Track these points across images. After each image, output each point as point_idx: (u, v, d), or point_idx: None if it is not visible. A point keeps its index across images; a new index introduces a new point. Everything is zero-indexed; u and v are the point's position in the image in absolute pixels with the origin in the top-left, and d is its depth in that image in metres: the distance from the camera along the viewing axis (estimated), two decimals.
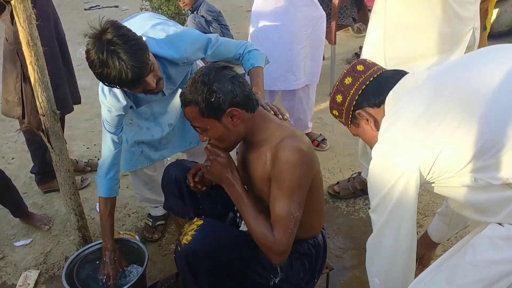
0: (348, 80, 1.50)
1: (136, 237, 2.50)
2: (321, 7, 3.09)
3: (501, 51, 1.37)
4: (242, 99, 1.60)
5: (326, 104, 4.09)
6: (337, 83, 1.54)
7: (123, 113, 2.08)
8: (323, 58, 4.79)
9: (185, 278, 1.77)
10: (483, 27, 3.63)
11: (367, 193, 2.80)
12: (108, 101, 2.03)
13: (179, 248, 1.71)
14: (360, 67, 1.51)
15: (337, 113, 1.57)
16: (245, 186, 1.83)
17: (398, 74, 1.46)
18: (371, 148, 1.50)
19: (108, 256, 2.10)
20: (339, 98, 1.52)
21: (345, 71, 1.55)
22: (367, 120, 1.49)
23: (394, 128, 1.36)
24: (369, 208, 2.75)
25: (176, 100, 2.34)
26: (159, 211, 2.66)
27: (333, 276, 2.23)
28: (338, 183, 2.94)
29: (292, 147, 1.60)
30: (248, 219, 1.68)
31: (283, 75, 3.04)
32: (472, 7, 2.18)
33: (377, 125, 1.47)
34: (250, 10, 3.16)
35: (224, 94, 1.56)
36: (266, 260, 1.76)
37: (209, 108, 1.57)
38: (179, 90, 2.31)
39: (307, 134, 3.45)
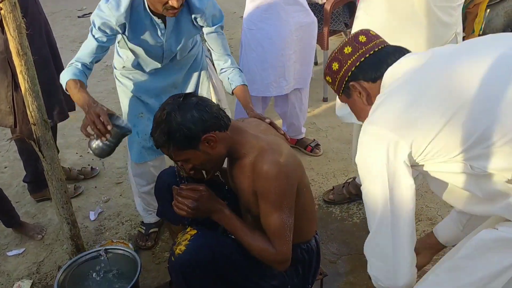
0: (347, 50, 1.45)
1: (130, 245, 2.49)
2: (312, 13, 3.11)
3: (507, 37, 1.33)
4: (213, 122, 1.61)
5: (319, 109, 4.09)
6: (336, 50, 1.49)
7: (117, 27, 2.02)
8: (316, 64, 4.84)
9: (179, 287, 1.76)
10: (471, 30, 3.66)
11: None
12: (110, 10, 1.98)
13: (172, 258, 1.71)
14: (362, 38, 1.45)
15: (330, 80, 1.52)
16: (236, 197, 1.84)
17: (400, 52, 1.41)
18: (358, 120, 1.49)
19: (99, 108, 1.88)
20: (335, 66, 1.48)
21: (346, 39, 1.49)
22: (360, 93, 1.44)
23: (389, 105, 1.30)
24: (363, 213, 2.77)
25: (185, 87, 2.41)
26: (152, 218, 2.65)
27: (327, 282, 2.23)
28: (333, 188, 2.94)
29: (269, 161, 1.60)
30: (245, 239, 1.70)
31: (275, 81, 3.05)
32: (454, 13, 2.19)
33: (369, 100, 1.42)
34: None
35: (193, 124, 1.57)
36: (260, 268, 1.77)
37: (183, 142, 1.59)
38: (191, 80, 2.39)
39: (300, 139, 3.46)
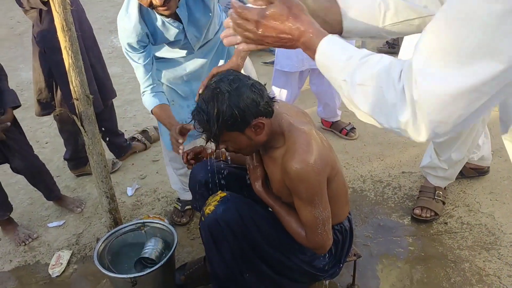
0: None
1: (165, 220, 2.53)
2: None
3: None
4: (264, 108, 1.57)
5: None
6: None
7: (141, 40, 2.06)
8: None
9: (208, 249, 1.82)
10: None
11: (465, 176, 2.80)
12: (125, 25, 2.04)
13: (202, 218, 1.77)
14: None
15: None
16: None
17: None
18: None
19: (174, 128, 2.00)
20: None
21: None
22: None
23: None
24: (397, 198, 2.75)
25: (210, 67, 2.35)
26: (188, 196, 2.69)
27: (360, 264, 2.23)
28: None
29: (299, 161, 1.57)
30: (282, 222, 1.77)
31: None
32: None
33: None
34: None
35: (246, 108, 1.52)
36: (288, 240, 1.78)
37: (232, 124, 1.54)
38: (210, 57, 2.34)
39: (335, 122, 3.44)
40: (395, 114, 0.89)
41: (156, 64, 2.27)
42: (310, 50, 1.01)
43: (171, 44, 2.19)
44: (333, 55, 0.99)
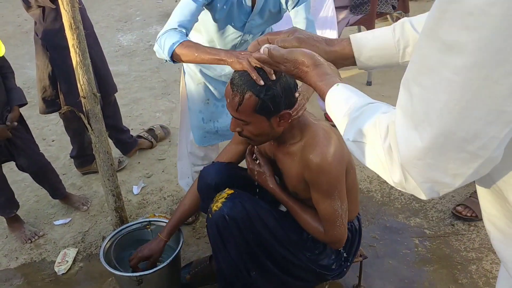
0: None
1: None
2: None
3: None
4: (293, 102, 1.59)
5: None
6: None
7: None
8: None
9: (215, 246, 1.82)
10: None
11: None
12: None
13: (210, 215, 1.78)
14: None
15: None
16: (278, 179, 1.86)
17: None
18: None
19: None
20: None
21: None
22: None
23: None
24: (404, 199, 2.74)
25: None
26: None
27: (366, 265, 2.22)
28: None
29: (319, 153, 1.59)
30: (297, 218, 1.78)
31: None
32: None
33: None
34: None
35: (285, 96, 1.53)
36: (295, 238, 1.78)
37: (265, 106, 1.52)
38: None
39: None
40: (389, 173, 0.81)
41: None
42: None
43: (226, 28, 2.05)
44: (335, 109, 0.96)
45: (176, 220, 2.07)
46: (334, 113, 0.96)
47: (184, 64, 2.35)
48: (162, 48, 1.78)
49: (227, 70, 2.23)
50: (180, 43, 1.74)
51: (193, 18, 1.86)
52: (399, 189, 0.83)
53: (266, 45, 1.09)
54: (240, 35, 2.10)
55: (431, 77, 0.68)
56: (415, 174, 0.75)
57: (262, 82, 1.48)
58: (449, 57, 0.64)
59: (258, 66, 1.49)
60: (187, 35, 1.82)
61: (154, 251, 2.03)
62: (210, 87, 2.31)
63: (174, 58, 1.77)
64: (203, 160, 2.54)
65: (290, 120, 1.60)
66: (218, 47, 2.14)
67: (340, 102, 0.94)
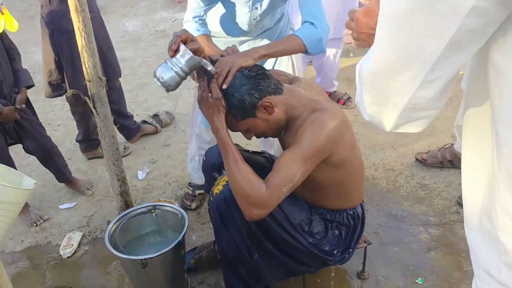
0: None
1: (176, 204, 2.54)
2: None
3: None
4: (266, 86, 1.60)
5: None
6: None
7: None
8: None
9: (217, 229, 1.83)
10: None
11: (456, 166, 2.82)
12: None
13: (211, 198, 1.78)
14: None
15: None
16: None
17: None
18: None
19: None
20: None
21: None
22: None
23: None
24: (410, 187, 2.73)
25: (264, 62, 2.18)
26: (200, 180, 2.69)
27: (370, 252, 2.22)
28: (428, 151, 2.95)
29: (320, 119, 1.59)
30: (234, 168, 1.58)
31: None
32: None
33: None
34: None
35: (248, 95, 1.57)
36: (296, 220, 1.77)
37: (240, 113, 1.60)
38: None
39: (333, 92, 3.69)
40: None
41: None
42: None
43: (232, 12, 2.05)
44: None
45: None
46: None
47: None
48: None
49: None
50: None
51: (202, 4, 1.99)
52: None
53: None
54: (247, 21, 2.07)
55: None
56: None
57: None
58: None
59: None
60: (203, 20, 2.01)
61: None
62: None
63: None
64: (209, 144, 2.53)
65: (273, 104, 1.61)
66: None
67: None
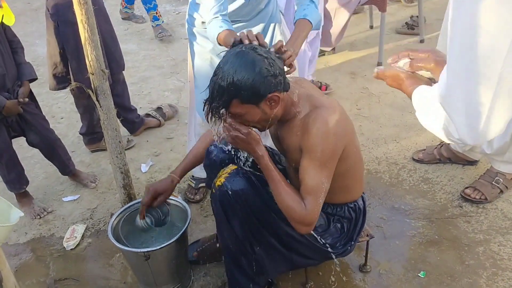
0: None
1: (179, 197, 2.54)
2: None
3: None
4: (280, 81, 1.57)
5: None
6: None
7: None
8: (371, 27, 4.70)
9: (219, 221, 1.83)
10: None
11: (453, 162, 2.82)
12: None
13: (213, 190, 1.78)
14: None
15: None
16: (284, 159, 1.86)
17: None
18: None
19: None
20: None
21: None
22: None
23: None
24: (412, 180, 2.72)
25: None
26: (203, 173, 2.68)
27: (373, 245, 2.22)
28: (425, 149, 2.93)
29: (320, 118, 1.59)
30: (278, 192, 1.66)
31: None
32: None
33: None
34: None
35: (264, 80, 1.52)
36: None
37: (248, 96, 1.54)
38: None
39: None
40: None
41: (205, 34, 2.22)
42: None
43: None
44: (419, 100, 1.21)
45: (189, 160, 2.07)
46: (416, 103, 1.22)
47: (193, 41, 2.34)
48: (212, 38, 2.03)
49: None
50: (217, 37, 1.98)
51: (222, 2, 2.03)
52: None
53: (401, 62, 1.30)
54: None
55: None
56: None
57: None
58: None
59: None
60: (224, 16, 2.03)
61: (166, 188, 2.02)
62: (217, 59, 2.29)
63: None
64: (211, 138, 2.53)
65: (280, 101, 1.59)
66: None
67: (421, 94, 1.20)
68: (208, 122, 1.65)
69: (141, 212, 2.03)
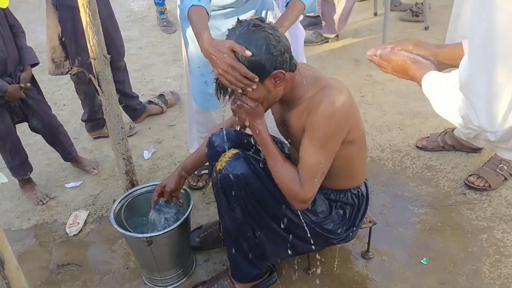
0: None
1: None
2: None
3: None
4: (287, 59, 1.55)
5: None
6: None
7: None
8: (375, 14, 4.66)
9: (220, 205, 1.83)
10: None
11: (457, 149, 2.80)
12: None
13: (214, 174, 1.78)
14: None
15: None
16: (288, 141, 1.85)
17: None
18: None
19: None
20: None
21: None
22: None
23: None
24: (416, 168, 2.71)
25: None
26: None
27: (375, 232, 2.21)
28: (429, 136, 2.91)
29: (328, 98, 1.58)
30: (275, 167, 1.67)
31: None
32: None
33: None
34: None
35: (270, 55, 1.50)
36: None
37: (253, 70, 1.51)
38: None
39: None
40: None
41: None
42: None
43: None
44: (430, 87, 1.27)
45: (195, 156, 2.08)
46: (430, 89, 1.27)
47: (186, 28, 2.31)
48: (183, 9, 1.86)
49: (224, 30, 2.16)
50: (189, 8, 1.80)
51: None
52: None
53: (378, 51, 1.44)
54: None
55: None
56: None
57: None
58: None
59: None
60: None
61: (175, 184, 2.04)
62: None
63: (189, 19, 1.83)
64: (206, 127, 2.53)
65: (284, 79, 1.57)
66: None
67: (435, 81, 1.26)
68: (218, 99, 1.65)
69: (152, 205, 2.08)
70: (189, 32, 2.30)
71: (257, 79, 1.53)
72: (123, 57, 3.14)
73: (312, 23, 4.44)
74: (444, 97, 1.19)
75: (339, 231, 1.88)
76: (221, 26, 2.20)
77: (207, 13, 1.84)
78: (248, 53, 1.48)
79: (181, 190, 2.17)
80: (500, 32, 0.97)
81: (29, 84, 2.49)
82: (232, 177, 1.72)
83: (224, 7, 2.18)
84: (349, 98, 1.63)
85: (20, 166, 2.69)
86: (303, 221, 1.79)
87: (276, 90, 1.60)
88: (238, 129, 1.91)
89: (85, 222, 2.55)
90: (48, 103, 2.77)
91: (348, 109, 1.62)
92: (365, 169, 1.91)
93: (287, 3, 2.05)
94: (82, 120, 3.24)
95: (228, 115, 1.97)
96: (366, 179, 1.94)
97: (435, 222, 2.36)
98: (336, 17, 4.01)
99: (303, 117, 1.64)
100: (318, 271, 2.13)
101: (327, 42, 4.24)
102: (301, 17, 2.83)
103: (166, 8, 4.93)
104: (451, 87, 1.16)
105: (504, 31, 0.97)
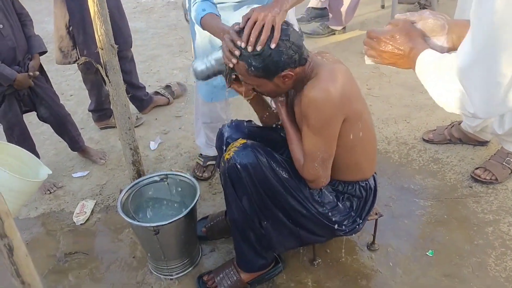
0: None
1: (187, 174, 2.55)
2: None
3: None
4: (297, 58, 1.59)
5: None
6: None
7: None
8: (383, 7, 4.64)
9: (227, 194, 1.85)
10: None
11: (463, 142, 2.80)
12: None
13: (222, 164, 1.80)
14: None
15: None
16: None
17: None
18: None
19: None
20: None
21: None
22: None
23: None
24: (422, 160, 2.71)
25: None
26: (212, 152, 2.69)
27: (381, 224, 2.21)
28: (435, 129, 2.91)
29: (319, 86, 1.58)
30: (290, 144, 1.78)
31: None
32: None
33: None
34: None
35: (279, 59, 1.55)
36: (306, 189, 1.79)
37: (261, 71, 1.57)
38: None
39: None
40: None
41: None
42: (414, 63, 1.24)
43: None
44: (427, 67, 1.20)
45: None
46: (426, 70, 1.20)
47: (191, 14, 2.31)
48: (194, 18, 2.00)
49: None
50: (200, 19, 1.94)
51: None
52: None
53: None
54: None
55: None
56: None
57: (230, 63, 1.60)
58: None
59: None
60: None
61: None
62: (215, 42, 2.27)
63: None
64: (212, 119, 2.53)
65: (292, 78, 1.62)
66: None
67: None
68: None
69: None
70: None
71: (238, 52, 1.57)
72: (131, 47, 3.15)
73: (319, 15, 4.43)
74: (438, 80, 1.17)
75: (345, 223, 1.88)
76: (230, 19, 2.19)
77: (216, 15, 1.94)
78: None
79: (188, 181, 2.18)
80: (505, 22, 0.96)
81: (37, 73, 2.51)
82: (239, 167, 1.73)
83: (235, 5, 2.17)
84: (341, 85, 1.61)
85: None
86: (309, 211, 1.80)
87: (285, 86, 1.65)
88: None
89: (92, 212, 2.57)
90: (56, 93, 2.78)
91: (340, 97, 1.59)
92: (374, 163, 1.91)
93: None
94: (89, 110, 3.25)
95: (231, 108, 2.00)
96: (375, 173, 1.94)
97: (441, 215, 2.36)
98: (343, 9, 4.00)
99: (301, 104, 1.66)
100: (323, 262, 2.14)
101: (334, 34, 4.22)
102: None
103: None
104: (446, 70, 1.13)
105: (508, 20, 0.96)
